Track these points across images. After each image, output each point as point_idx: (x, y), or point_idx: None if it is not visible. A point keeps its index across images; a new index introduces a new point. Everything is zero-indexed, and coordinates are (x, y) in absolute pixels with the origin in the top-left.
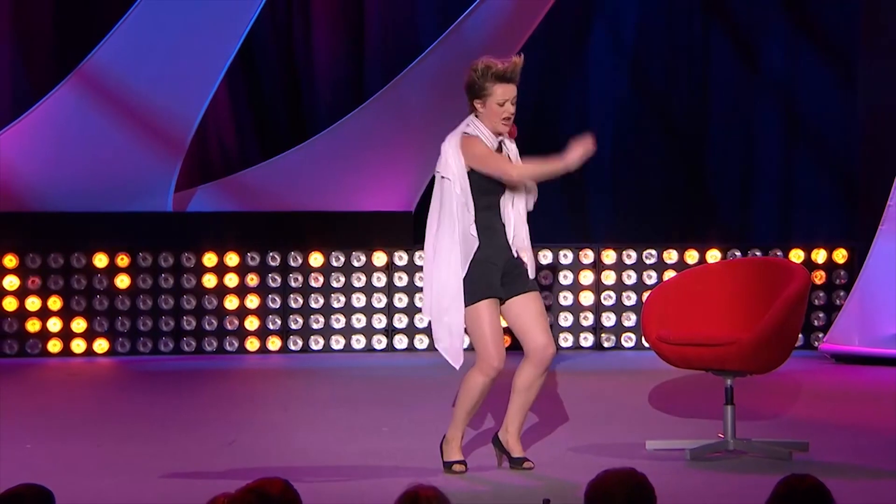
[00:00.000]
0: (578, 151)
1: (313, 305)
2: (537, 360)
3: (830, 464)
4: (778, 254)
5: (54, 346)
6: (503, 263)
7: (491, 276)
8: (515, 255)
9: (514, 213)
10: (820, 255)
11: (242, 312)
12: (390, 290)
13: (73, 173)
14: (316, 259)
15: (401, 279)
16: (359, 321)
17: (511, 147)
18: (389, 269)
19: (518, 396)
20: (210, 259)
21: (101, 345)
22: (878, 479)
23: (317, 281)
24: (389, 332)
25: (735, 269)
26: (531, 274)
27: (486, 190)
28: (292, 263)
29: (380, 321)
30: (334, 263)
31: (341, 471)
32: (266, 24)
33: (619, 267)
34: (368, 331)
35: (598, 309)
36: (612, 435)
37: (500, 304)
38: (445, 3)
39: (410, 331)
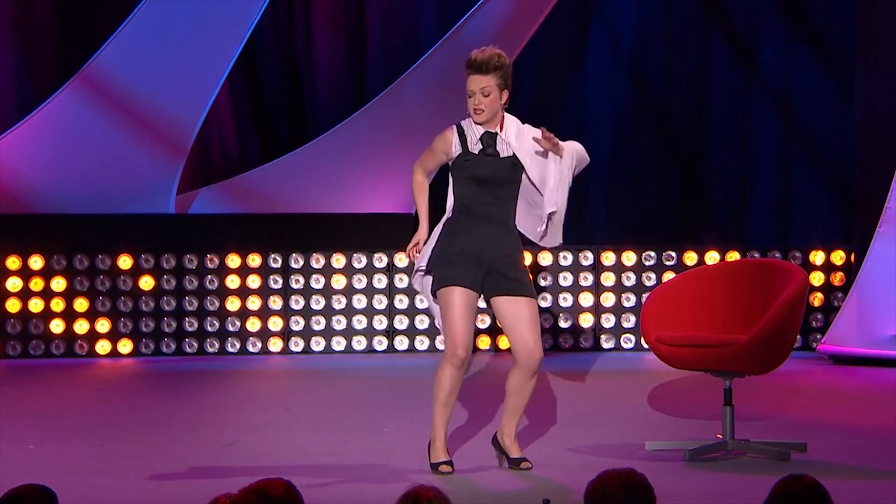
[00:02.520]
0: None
1: (314, 307)
2: (524, 364)
3: (828, 464)
4: (776, 255)
5: (57, 347)
6: (488, 259)
7: (464, 266)
8: (507, 256)
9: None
10: (818, 257)
11: (244, 314)
12: (391, 291)
13: (75, 176)
14: (317, 261)
15: (401, 280)
16: (360, 322)
17: (513, 140)
18: (390, 270)
19: (510, 399)
20: (212, 261)
21: (103, 346)
22: (876, 479)
23: (318, 282)
24: (390, 333)
25: (734, 270)
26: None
27: (481, 180)
28: (294, 265)
29: (381, 322)
30: (335, 265)
31: (342, 471)
32: (267, 28)
33: (619, 269)
34: (369, 332)
35: (597, 310)
36: (611, 435)
37: (478, 297)
38: (446, 5)
39: (411, 332)
